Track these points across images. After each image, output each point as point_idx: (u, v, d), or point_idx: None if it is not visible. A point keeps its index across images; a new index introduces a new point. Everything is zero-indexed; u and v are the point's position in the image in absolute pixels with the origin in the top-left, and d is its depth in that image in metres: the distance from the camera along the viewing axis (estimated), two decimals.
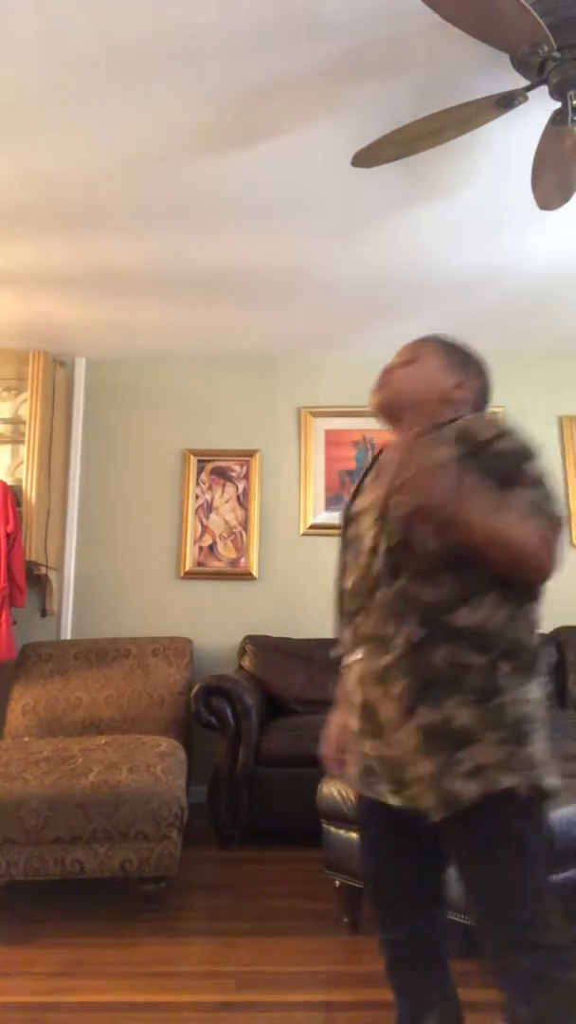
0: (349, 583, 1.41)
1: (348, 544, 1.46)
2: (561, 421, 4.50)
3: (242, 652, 4.02)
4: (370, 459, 1.59)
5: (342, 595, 1.45)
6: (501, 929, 1.24)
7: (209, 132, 2.62)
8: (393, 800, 1.32)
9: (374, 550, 1.34)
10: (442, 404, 1.47)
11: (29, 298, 3.81)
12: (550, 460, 4.50)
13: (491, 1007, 1.94)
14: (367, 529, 1.39)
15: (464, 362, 1.59)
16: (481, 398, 1.57)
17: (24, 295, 3.78)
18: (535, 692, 1.29)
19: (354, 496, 1.52)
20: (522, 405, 4.50)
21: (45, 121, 2.55)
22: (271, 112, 2.52)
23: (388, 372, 1.53)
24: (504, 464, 1.30)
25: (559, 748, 2.59)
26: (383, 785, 1.33)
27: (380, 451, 1.56)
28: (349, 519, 1.49)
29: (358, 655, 1.36)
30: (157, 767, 2.75)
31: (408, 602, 1.28)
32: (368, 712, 1.34)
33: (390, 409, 1.50)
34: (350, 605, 1.40)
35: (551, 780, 1.25)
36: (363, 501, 1.46)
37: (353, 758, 1.41)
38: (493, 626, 1.27)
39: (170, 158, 2.75)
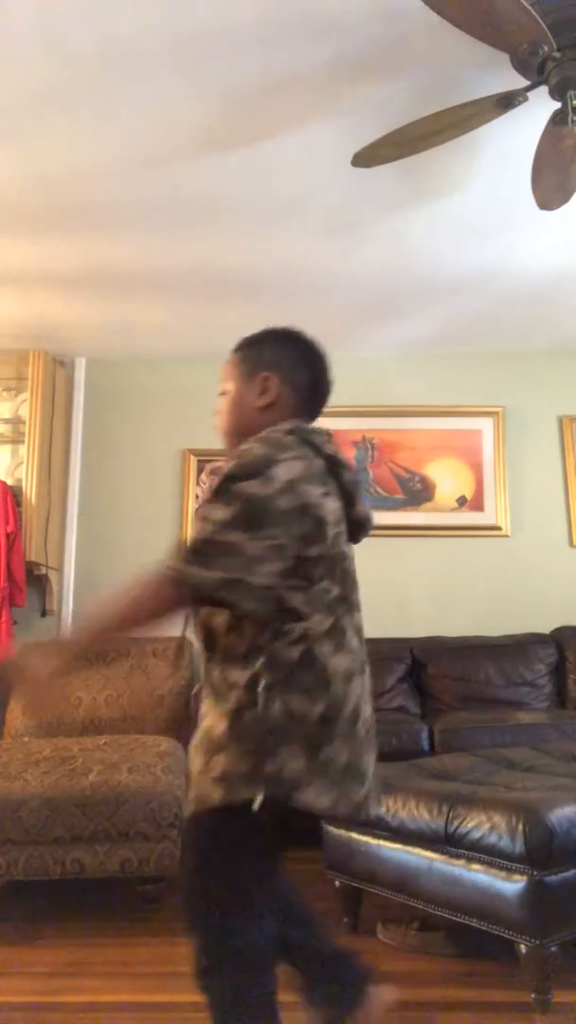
0: None
1: None
2: (561, 421, 4.50)
3: None
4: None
5: None
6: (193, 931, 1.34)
7: (209, 132, 2.62)
8: None
9: None
10: (262, 418, 1.45)
11: (29, 298, 3.81)
12: (550, 460, 4.56)
13: (492, 1007, 1.95)
14: None
15: (261, 357, 1.53)
16: (297, 379, 1.52)
17: (24, 295, 3.78)
18: (301, 706, 1.25)
19: None
20: (522, 405, 4.52)
21: (45, 121, 2.55)
22: (271, 112, 2.52)
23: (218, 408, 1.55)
24: (210, 501, 1.28)
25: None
26: None
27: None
28: None
29: None
30: (157, 767, 2.75)
31: (200, 624, 1.36)
32: None
33: (230, 442, 1.53)
34: None
35: (308, 798, 1.23)
36: None
37: None
38: (251, 645, 1.28)
39: (170, 158, 2.75)
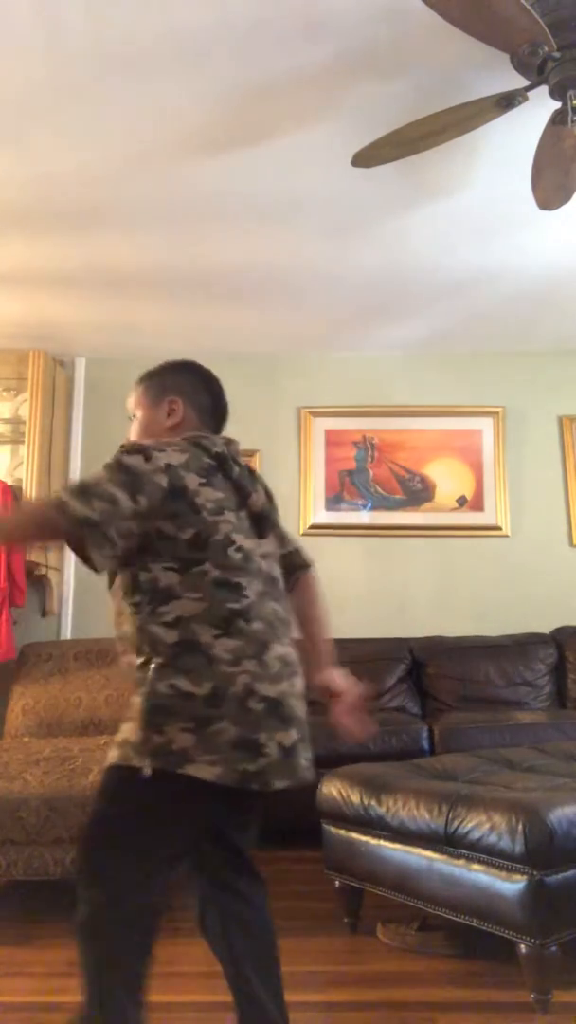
0: None
1: None
2: (561, 421, 4.50)
3: None
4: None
5: None
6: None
7: (209, 132, 2.62)
8: None
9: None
10: (170, 436, 1.62)
11: (29, 298, 3.81)
12: (550, 460, 4.57)
13: (492, 1007, 1.95)
14: None
15: (163, 385, 1.72)
16: (199, 401, 1.72)
17: (24, 295, 3.78)
18: (187, 686, 1.37)
19: None
20: (522, 405, 4.52)
21: (45, 121, 2.55)
22: (271, 112, 2.52)
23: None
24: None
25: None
26: None
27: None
28: None
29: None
30: None
31: (125, 613, 1.48)
32: None
33: None
34: None
35: (196, 770, 1.34)
36: None
37: None
38: (136, 629, 1.44)
39: (170, 158, 2.75)
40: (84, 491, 1.36)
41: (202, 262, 3.50)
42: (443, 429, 4.48)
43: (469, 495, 4.42)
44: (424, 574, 4.34)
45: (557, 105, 2.18)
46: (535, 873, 1.91)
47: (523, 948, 1.90)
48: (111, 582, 1.52)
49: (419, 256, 3.47)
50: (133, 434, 1.73)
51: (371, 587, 4.30)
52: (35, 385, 4.11)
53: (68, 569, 4.36)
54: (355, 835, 2.38)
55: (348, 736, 1.57)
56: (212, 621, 1.41)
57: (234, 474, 1.56)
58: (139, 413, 1.75)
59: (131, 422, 1.77)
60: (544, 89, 2.14)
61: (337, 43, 2.22)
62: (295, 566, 1.72)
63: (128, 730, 1.40)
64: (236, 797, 1.42)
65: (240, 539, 1.49)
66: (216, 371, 1.81)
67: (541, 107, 2.25)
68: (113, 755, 1.40)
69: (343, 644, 4.04)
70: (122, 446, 1.50)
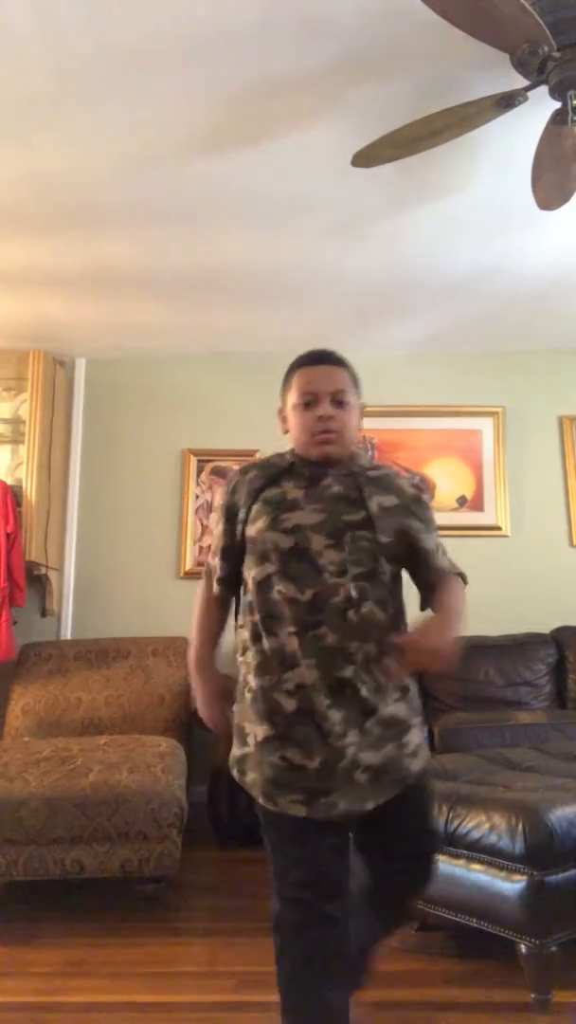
0: (308, 596, 1.48)
1: (292, 555, 1.50)
2: (561, 421, 4.50)
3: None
4: (280, 466, 1.64)
5: (292, 604, 1.48)
6: None
7: (209, 132, 2.62)
8: (353, 801, 1.45)
9: (341, 573, 1.48)
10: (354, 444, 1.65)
11: (29, 298, 3.81)
12: (550, 460, 4.57)
13: (492, 1007, 1.94)
14: (322, 549, 1.50)
15: (358, 383, 1.69)
16: None
17: (24, 295, 3.78)
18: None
19: (278, 506, 1.55)
20: (522, 405, 4.52)
21: (45, 121, 2.55)
22: (271, 112, 2.52)
23: (332, 419, 1.59)
24: (429, 515, 1.64)
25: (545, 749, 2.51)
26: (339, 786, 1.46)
27: (295, 463, 1.63)
28: (286, 530, 1.52)
29: (309, 663, 1.46)
30: (157, 767, 2.75)
31: (369, 623, 1.48)
32: (319, 717, 1.45)
33: (342, 450, 1.61)
34: (310, 617, 1.47)
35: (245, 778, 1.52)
36: (302, 517, 1.53)
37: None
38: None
39: (170, 158, 2.75)
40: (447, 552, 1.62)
41: (202, 262, 3.50)
42: (443, 429, 4.48)
43: (469, 495, 4.42)
44: None
45: (557, 105, 2.18)
46: (535, 873, 1.91)
47: (523, 948, 1.90)
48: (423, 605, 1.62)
49: (419, 256, 3.47)
50: (348, 425, 1.61)
51: None
52: (35, 385, 4.11)
53: (68, 569, 4.36)
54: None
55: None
56: None
57: None
58: (353, 401, 1.64)
59: (341, 407, 1.60)
60: (544, 89, 2.14)
61: (337, 43, 2.22)
62: None
63: (418, 737, 1.53)
64: None
65: None
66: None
67: (541, 107, 2.24)
68: (419, 764, 1.52)
69: None
70: (415, 486, 1.64)
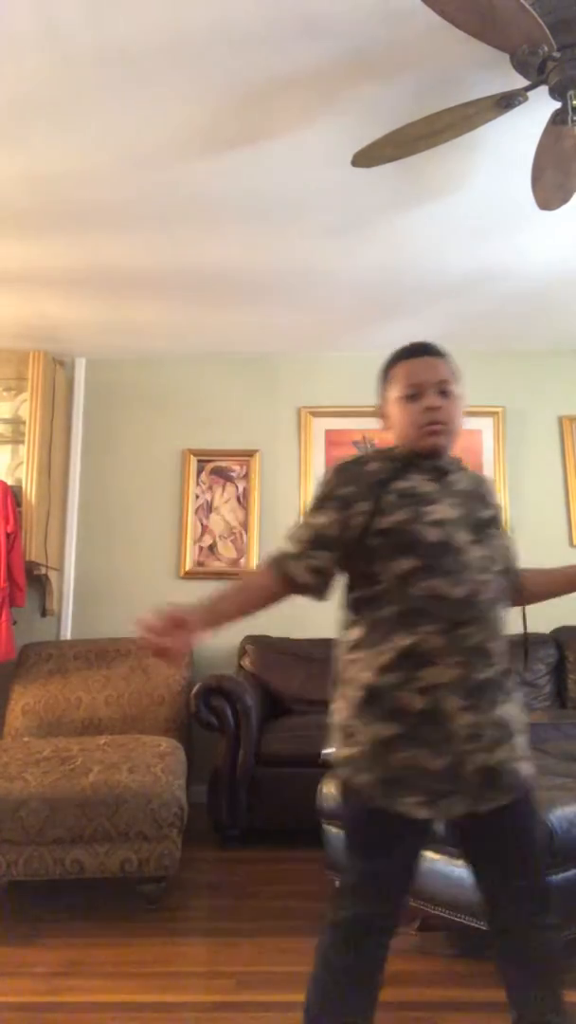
0: (459, 592, 1.43)
1: (439, 550, 1.45)
2: (561, 421, 4.50)
3: (242, 652, 4.02)
4: (400, 459, 1.56)
5: (441, 600, 1.43)
6: None
7: (209, 132, 2.62)
8: (474, 802, 1.43)
9: (484, 570, 1.47)
10: None
11: (29, 298, 3.81)
12: (550, 460, 4.57)
13: (492, 1007, 1.94)
14: (466, 544, 1.47)
15: (459, 375, 1.62)
16: None
17: (24, 295, 3.78)
18: None
19: (417, 499, 1.49)
20: (522, 405, 4.52)
21: (45, 121, 2.55)
22: (271, 112, 2.52)
23: (439, 410, 1.53)
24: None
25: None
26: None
27: (415, 456, 1.55)
28: (431, 523, 1.47)
29: (448, 662, 1.42)
30: (157, 767, 2.75)
31: (502, 622, 1.50)
32: (447, 717, 1.42)
33: (449, 444, 1.57)
34: (459, 615, 1.43)
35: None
36: (444, 511, 1.48)
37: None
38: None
39: (170, 158, 2.75)
40: None
41: (202, 262, 3.50)
42: None
43: None
44: None
45: (557, 105, 2.18)
46: None
47: None
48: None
49: (419, 256, 3.47)
50: (457, 417, 1.57)
51: None
52: (35, 385, 4.11)
53: (68, 569, 4.36)
54: None
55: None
56: None
57: None
58: (457, 391, 1.58)
59: (446, 397, 1.55)
60: (544, 89, 2.14)
61: (337, 43, 2.22)
62: None
63: (525, 740, 1.49)
64: None
65: None
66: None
67: (541, 107, 2.24)
68: (528, 767, 1.48)
69: None
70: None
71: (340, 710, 1.50)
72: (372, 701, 1.44)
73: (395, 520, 1.47)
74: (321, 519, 1.54)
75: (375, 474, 1.53)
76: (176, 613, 1.38)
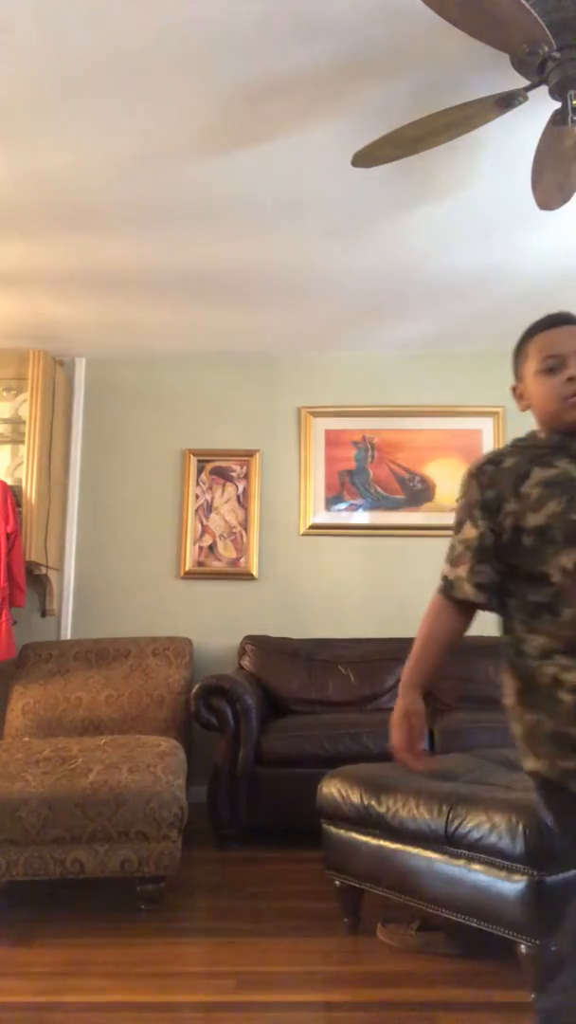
0: None
1: None
2: None
3: (242, 652, 4.02)
4: (541, 444, 1.49)
5: None
6: None
7: (209, 132, 2.62)
8: None
9: None
10: None
11: (29, 298, 3.81)
12: None
13: (492, 1007, 1.94)
14: None
15: None
16: None
17: (24, 295, 3.78)
18: (509, 683, 1.53)
19: (567, 486, 1.41)
20: None
21: (45, 121, 2.55)
22: (271, 112, 2.52)
23: None
24: None
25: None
26: None
27: (556, 438, 1.48)
28: None
29: None
30: (157, 767, 2.75)
31: None
32: None
33: None
34: None
35: (524, 764, 1.44)
36: None
37: None
38: None
39: (170, 158, 2.75)
40: None
41: (202, 262, 3.50)
42: (443, 429, 4.48)
43: None
44: (424, 574, 4.31)
45: (557, 105, 2.18)
46: (535, 873, 1.91)
47: (523, 948, 1.90)
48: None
49: (419, 256, 3.47)
50: None
51: (371, 587, 4.30)
52: (35, 385, 4.11)
53: (68, 569, 4.36)
54: (355, 835, 2.38)
55: None
56: (521, 617, 1.48)
57: None
58: None
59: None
60: (544, 89, 2.14)
61: (337, 43, 2.22)
62: None
63: None
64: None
65: None
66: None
67: (541, 107, 2.24)
68: None
69: (343, 644, 4.04)
70: None
71: (536, 722, 1.40)
72: None
73: (546, 514, 1.38)
74: (471, 532, 1.47)
75: (514, 469, 1.46)
76: (407, 732, 1.54)
